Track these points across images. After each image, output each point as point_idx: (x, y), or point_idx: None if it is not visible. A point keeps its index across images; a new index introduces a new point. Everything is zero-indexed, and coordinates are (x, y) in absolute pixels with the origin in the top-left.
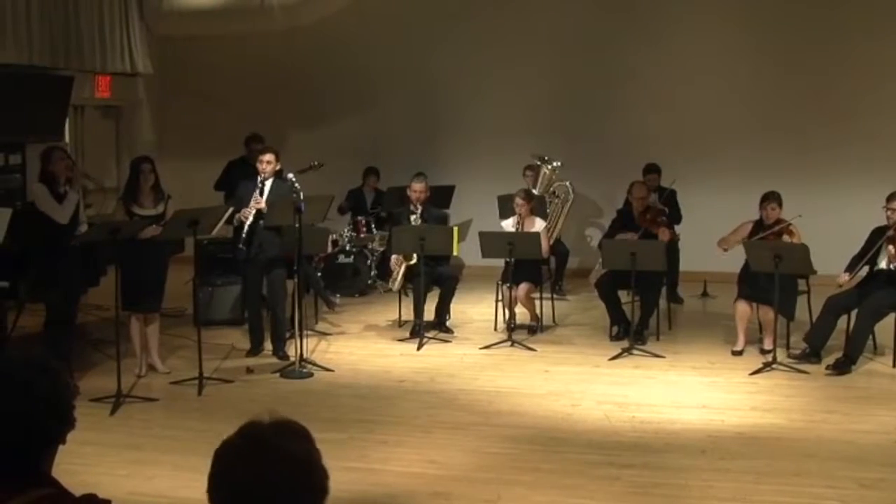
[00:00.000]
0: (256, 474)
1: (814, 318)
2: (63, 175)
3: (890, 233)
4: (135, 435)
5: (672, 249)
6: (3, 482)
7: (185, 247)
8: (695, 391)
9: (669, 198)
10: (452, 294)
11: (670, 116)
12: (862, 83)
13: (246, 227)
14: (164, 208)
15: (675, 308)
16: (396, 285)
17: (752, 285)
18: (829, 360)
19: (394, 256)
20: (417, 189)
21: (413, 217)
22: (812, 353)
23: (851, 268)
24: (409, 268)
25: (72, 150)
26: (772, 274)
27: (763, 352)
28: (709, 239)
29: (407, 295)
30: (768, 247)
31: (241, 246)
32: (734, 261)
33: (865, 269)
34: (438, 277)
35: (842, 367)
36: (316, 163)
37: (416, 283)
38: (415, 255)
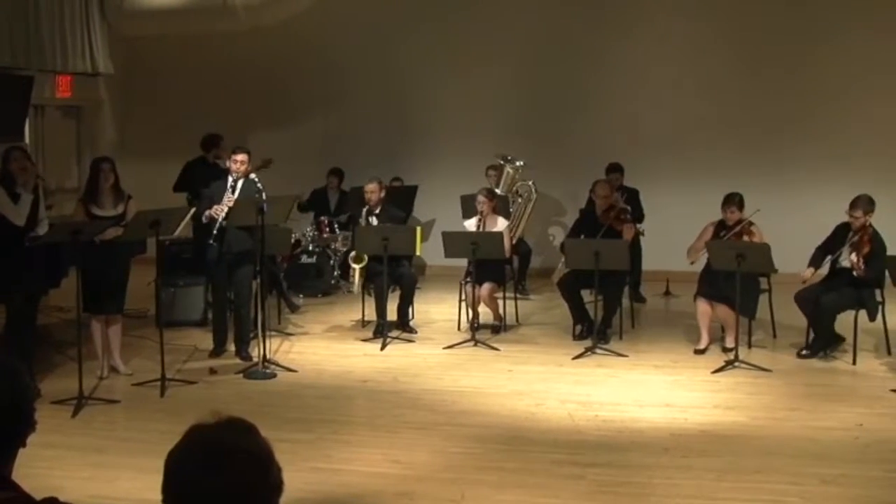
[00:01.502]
0: (216, 477)
1: (775, 317)
2: (19, 176)
3: (854, 239)
4: (97, 437)
5: (635, 249)
6: None
7: (148, 247)
8: (658, 390)
9: (632, 197)
10: (412, 294)
11: (633, 116)
12: (825, 82)
13: (218, 225)
14: (125, 209)
15: (638, 307)
16: (356, 287)
17: (710, 283)
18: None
19: (350, 258)
20: (370, 190)
21: (371, 218)
22: (827, 345)
23: (815, 262)
24: (364, 269)
25: (32, 150)
26: (731, 273)
27: (725, 350)
28: (671, 238)
29: (370, 295)
30: (730, 246)
31: (211, 242)
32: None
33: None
34: (399, 278)
35: (815, 350)
36: (265, 160)
37: (378, 284)
38: (365, 257)
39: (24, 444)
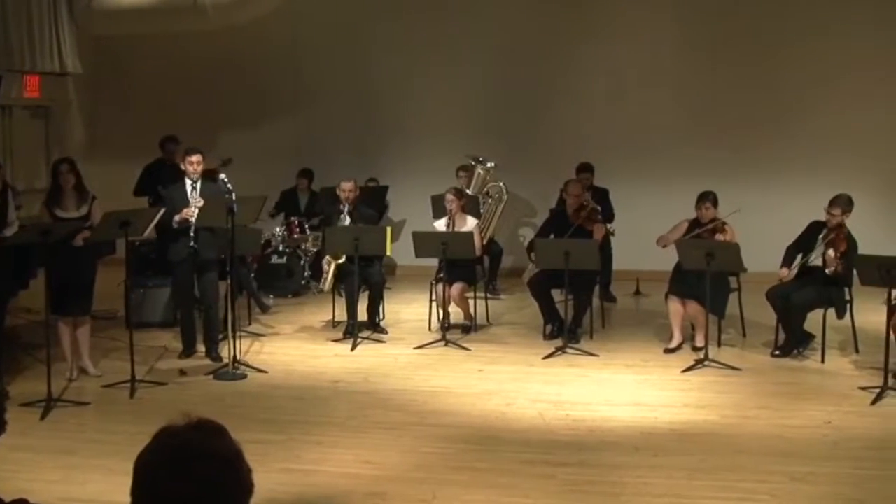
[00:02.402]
0: (186, 479)
1: (745, 315)
2: None
3: (831, 235)
4: (67, 439)
5: (605, 248)
6: None
7: (117, 248)
8: (628, 389)
9: (602, 197)
10: (381, 295)
11: (603, 115)
12: (796, 80)
13: (193, 226)
14: (89, 209)
15: (609, 307)
16: (327, 285)
17: (681, 281)
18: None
19: (325, 257)
20: (346, 188)
21: (343, 216)
22: (798, 343)
23: (788, 261)
24: (339, 267)
25: (0, 151)
26: (701, 271)
27: (695, 349)
28: (641, 238)
29: (340, 295)
30: (700, 245)
31: (192, 245)
32: (667, 260)
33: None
34: (367, 278)
35: (787, 350)
36: (224, 159)
37: (348, 284)
38: (343, 256)
39: None
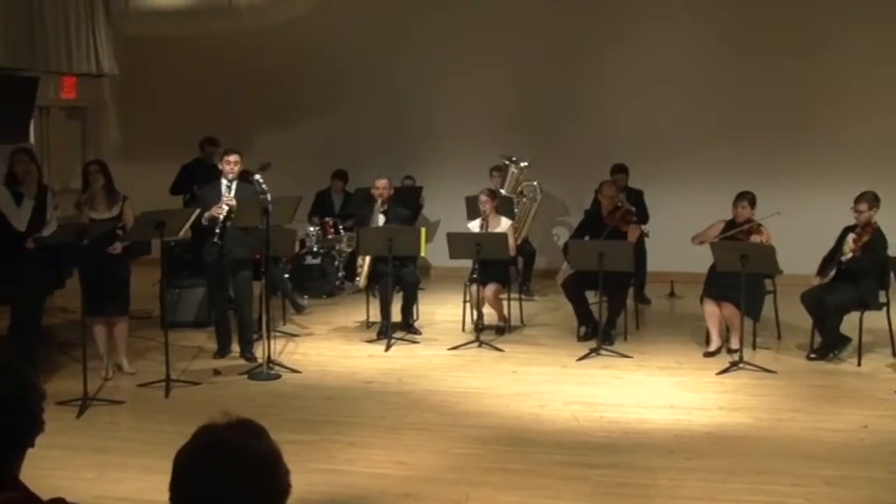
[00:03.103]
0: (223, 478)
1: (780, 318)
2: (23, 178)
3: (858, 230)
4: (102, 438)
5: (640, 250)
6: None
7: (152, 249)
8: (662, 391)
9: (637, 198)
10: (415, 296)
11: (639, 116)
12: (832, 84)
13: (219, 224)
14: (120, 210)
15: (643, 308)
16: (362, 281)
17: (716, 284)
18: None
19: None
20: (381, 186)
21: (377, 215)
22: (834, 346)
23: (823, 272)
24: (374, 262)
25: (37, 151)
26: (736, 273)
27: (730, 351)
28: (676, 239)
29: (374, 296)
30: (735, 247)
31: (215, 241)
32: (701, 261)
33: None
34: (401, 279)
35: (823, 353)
36: (263, 164)
37: (382, 284)
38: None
39: (32, 445)
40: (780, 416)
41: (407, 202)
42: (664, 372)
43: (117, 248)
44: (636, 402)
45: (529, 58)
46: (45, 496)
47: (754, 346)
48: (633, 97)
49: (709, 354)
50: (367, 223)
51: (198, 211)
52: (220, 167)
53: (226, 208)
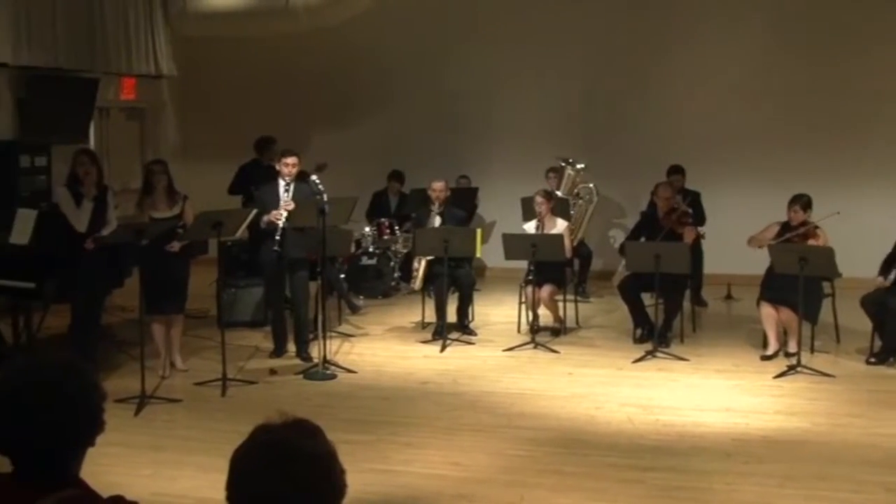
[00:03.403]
0: (279, 478)
1: (839, 321)
2: (84, 180)
3: None
4: (159, 436)
5: (696, 252)
6: (32, 483)
7: (209, 248)
8: (718, 394)
9: (693, 199)
10: (470, 297)
11: (695, 117)
12: (889, 84)
13: (279, 230)
14: (181, 209)
15: (699, 311)
16: (417, 283)
17: (773, 287)
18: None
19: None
20: (437, 188)
21: (433, 216)
22: (893, 351)
23: (884, 271)
24: (429, 264)
25: (96, 152)
26: (794, 276)
27: (787, 355)
28: (733, 241)
29: (430, 296)
30: (793, 249)
31: (276, 248)
32: (758, 263)
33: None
34: (457, 280)
35: (883, 357)
36: (319, 164)
37: (438, 285)
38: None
39: (93, 444)
40: (838, 420)
41: (463, 203)
42: (721, 375)
43: (175, 246)
44: (692, 405)
45: (586, 58)
46: (103, 493)
47: (812, 350)
48: (690, 98)
49: (766, 358)
50: (424, 224)
51: (255, 211)
52: (276, 168)
53: (284, 214)
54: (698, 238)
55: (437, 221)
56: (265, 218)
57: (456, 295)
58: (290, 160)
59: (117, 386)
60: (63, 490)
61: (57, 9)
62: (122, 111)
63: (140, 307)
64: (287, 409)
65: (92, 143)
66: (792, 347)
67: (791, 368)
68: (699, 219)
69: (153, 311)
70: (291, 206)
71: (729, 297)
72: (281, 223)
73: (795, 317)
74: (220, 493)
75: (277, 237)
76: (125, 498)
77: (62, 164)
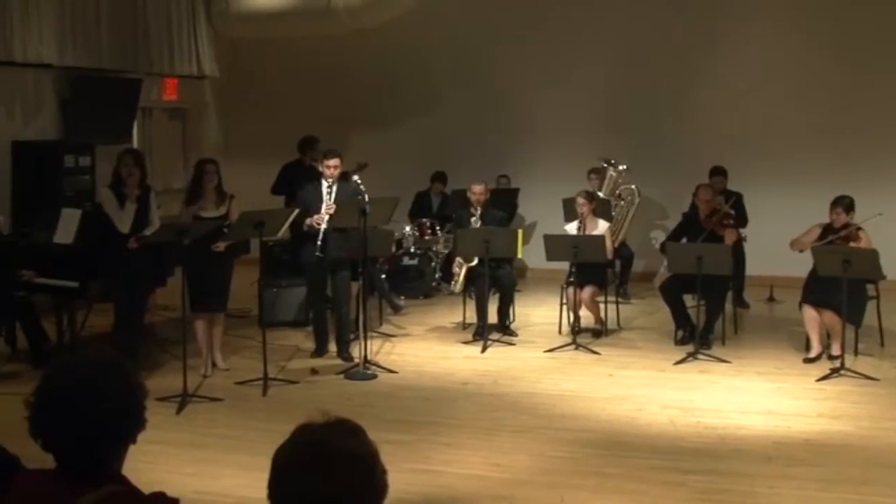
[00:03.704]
0: (321, 477)
1: (883, 324)
2: (127, 180)
3: None
4: (200, 434)
5: (738, 253)
6: (75, 479)
7: (251, 248)
8: (761, 397)
9: (736, 201)
10: (511, 297)
11: (737, 119)
12: None
13: (321, 234)
14: (228, 209)
15: (742, 312)
16: (458, 287)
17: (816, 290)
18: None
19: (456, 259)
20: (477, 191)
21: (473, 219)
22: None
23: None
24: (469, 270)
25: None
26: (837, 278)
27: (831, 358)
28: (775, 243)
29: (471, 297)
30: (837, 251)
31: (318, 254)
32: (801, 265)
33: None
34: (498, 280)
35: None
36: (360, 164)
37: (479, 286)
38: (475, 258)
39: (134, 441)
40: (882, 424)
41: (504, 205)
42: (763, 377)
43: (220, 246)
44: (734, 407)
45: (628, 59)
46: (145, 490)
47: (856, 353)
48: (732, 99)
49: (809, 360)
50: (464, 225)
51: (297, 211)
52: (318, 168)
53: (326, 217)
54: (740, 240)
55: (478, 225)
56: (307, 221)
57: (497, 296)
58: (332, 162)
59: (159, 384)
60: (106, 486)
61: (101, 10)
62: (165, 112)
63: (183, 306)
64: (328, 409)
65: (135, 144)
66: (835, 350)
67: (834, 371)
68: (742, 220)
69: (198, 308)
70: (333, 209)
71: (771, 298)
72: (323, 226)
73: (839, 319)
74: (261, 492)
75: (319, 241)
76: (167, 494)
77: (106, 165)
